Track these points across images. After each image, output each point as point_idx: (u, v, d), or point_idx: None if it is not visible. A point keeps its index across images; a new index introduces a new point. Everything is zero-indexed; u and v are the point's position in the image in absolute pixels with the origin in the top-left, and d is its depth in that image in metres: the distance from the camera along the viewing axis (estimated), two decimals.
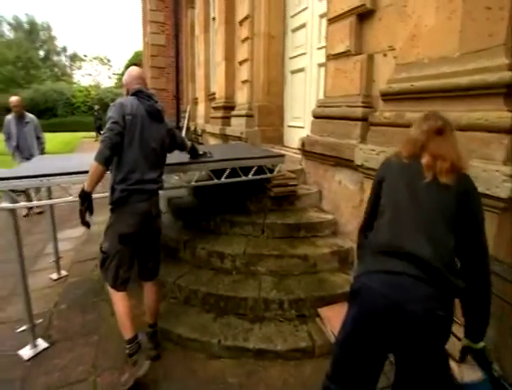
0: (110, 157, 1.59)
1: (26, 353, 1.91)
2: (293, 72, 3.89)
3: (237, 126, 4.35)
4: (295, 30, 3.79)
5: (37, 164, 2.39)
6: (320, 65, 3.30)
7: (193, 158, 2.19)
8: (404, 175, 1.12)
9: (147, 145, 1.69)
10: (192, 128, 7.59)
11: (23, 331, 1.98)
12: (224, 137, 4.67)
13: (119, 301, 1.70)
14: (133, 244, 1.72)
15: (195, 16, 7.71)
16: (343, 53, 2.41)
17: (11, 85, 25.94)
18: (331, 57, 2.59)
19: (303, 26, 3.59)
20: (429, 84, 1.65)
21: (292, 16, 3.82)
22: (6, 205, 1.77)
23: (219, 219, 2.54)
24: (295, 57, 3.82)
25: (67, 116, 24.17)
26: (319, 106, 2.76)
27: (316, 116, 2.78)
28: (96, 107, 16.61)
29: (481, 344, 1.11)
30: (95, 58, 37.33)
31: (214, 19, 6.23)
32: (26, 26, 34.87)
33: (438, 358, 0.98)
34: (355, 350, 1.01)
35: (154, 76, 8.57)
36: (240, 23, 4.21)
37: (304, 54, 3.60)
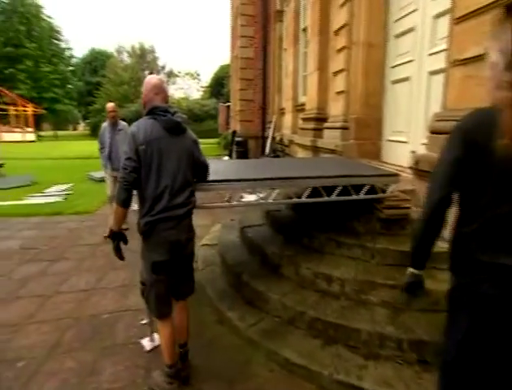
0: (127, 198, 1.56)
1: (146, 343, 2.09)
2: (395, 82, 3.55)
3: (331, 138, 4.19)
4: (399, 36, 3.46)
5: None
6: (432, 73, 2.93)
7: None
8: None
9: (170, 167, 1.58)
10: (277, 138, 7.67)
11: (145, 324, 2.19)
12: (315, 149, 4.55)
13: (163, 327, 1.72)
14: (167, 272, 1.66)
15: (283, 29, 7.79)
16: (477, 57, 2.05)
17: (125, 101, 30.48)
18: (457, 62, 2.25)
19: (410, 30, 3.24)
20: None
21: (396, 21, 3.49)
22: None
23: (323, 238, 2.44)
24: (398, 65, 3.47)
25: None
26: (439, 120, 2.43)
27: (435, 131, 2.45)
28: None
29: None
30: (187, 74, 41.30)
31: (304, 30, 6.19)
32: (138, 52, 40.56)
33: None
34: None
35: (243, 88, 8.94)
36: (336, 32, 4.04)
37: (410, 61, 3.24)
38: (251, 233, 3.00)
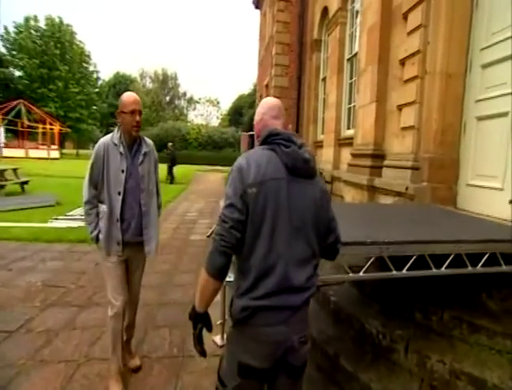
0: (225, 266, 1.06)
1: (218, 340, 2.36)
2: (483, 118, 3.04)
3: (393, 179, 3.65)
4: (488, 65, 2.99)
5: None
6: None
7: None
8: None
9: (290, 225, 1.08)
10: None
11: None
12: (372, 189, 4.01)
13: None
14: (260, 381, 1.16)
15: (322, 59, 7.59)
16: None
17: (145, 124, 31.50)
18: None
19: (507, 59, 2.77)
20: None
21: (483, 49, 3.05)
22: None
23: (447, 316, 1.81)
24: (487, 99, 2.98)
25: (181, 150, 27.67)
26: None
27: None
28: (169, 144, 15.53)
29: None
30: (207, 101, 42.56)
31: (349, 59, 5.89)
32: (160, 77, 42.50)
33: None
34: None
35: None
36: (403, 60, 3.63)
37: (509, 94, 2.75)
38: (334, 296, 2.43)
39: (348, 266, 1.55)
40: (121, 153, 1.96)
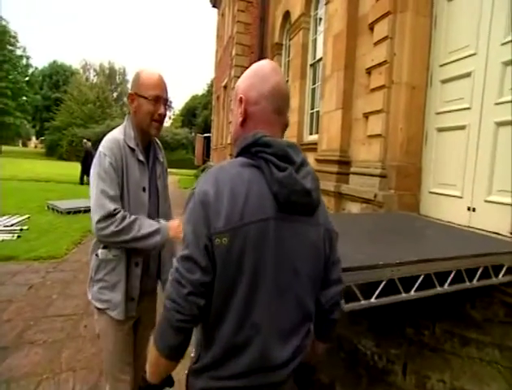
0: (182, 344, 0.79)
1: None
2: (442, 130, 3.27)
3: (360, 185, 3.76)
4: (447, 81, 3.23)
5: None
6: (500, 124, 2.66)
7: None
8: None
9: (275, 285, 0.78)
10: None
11: None
12: (339, 196, 4.09)
13: None
14: None
15: (283, 63, 7.68)
16: None
17: (90, 121, 29.13)
18: None
19: (465, 76, 3.01)
20: None
21: (443, 65, 3.29)
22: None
23: (438, 330, 1.84)
24: (447, 112, 3.22)
25: None
26: None
27: None
28: (84, 141, 13.58)
29: None
30: None
31: (312, 65, 6.03)
32: (107, 71, 39.92)
33: None
34: None
35: None
36: (369, 70, 3.77)
37: (466, 109, 2.98)
38: None
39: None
40: (140, 162, 1.39)
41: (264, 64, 0.89)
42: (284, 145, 0.80)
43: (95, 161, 1.33)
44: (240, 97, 0.86)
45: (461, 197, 3.03)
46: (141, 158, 1.39)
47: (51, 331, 2.55)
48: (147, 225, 1.32)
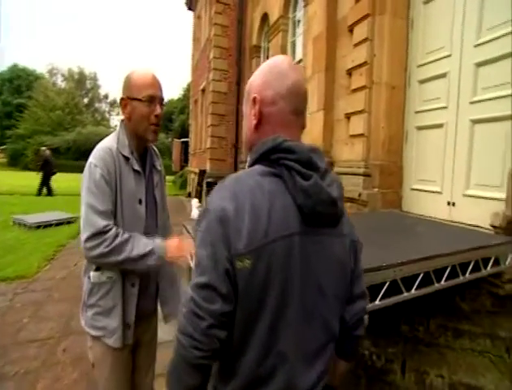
0: (201, 385, 0.72)
1: None
2: (422, 128, 3.42)
3: (344, 185, 3.83)
4: (425, 81, 3.39)
5: None
6: (476, 121, 2.82)
7: None
8: None
9: (302, 307, 0.73)
10: None
11: None
12: None
13: None
14: None
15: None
16: None
17: (59, 129, 27.95)
18: None
19: (441, 76, 3.17)
20: None
21: (420, 66, 3.45)
22: None
23: (433, 326, 1.88)
24: (425, 111, 3.37)
25: None
26: None
27: None
28: (42, 149, 12.91)
29: None
30: None
31: None
32: (76, 76, 38.63)
33: None
34: None
35: (214, 124, 8.54)
36: (350, 71, 3.89)
37: (443, 108, 3.14)
38: None
39: None
40: (136, 172, 1.29)
41: (280, 60, 0.83)
42: (307, 150, 0.74)
43: (85, 173, 1.23)
44: (254, 97, 0.79)
45: (440, 193, 3.17)
46: (137, 167, 1.30)
47: (23, 361, 2.25)
48: (142, 245, 1.22)
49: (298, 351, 0.72)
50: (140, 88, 1.27)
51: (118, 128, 1.34)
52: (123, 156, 1.27)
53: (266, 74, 0.80)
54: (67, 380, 2.09)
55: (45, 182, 11.60)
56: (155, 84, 1.31)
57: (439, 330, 1.86)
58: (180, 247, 1.30)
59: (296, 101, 0.79)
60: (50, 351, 2.35)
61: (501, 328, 1.81)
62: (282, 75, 0.79)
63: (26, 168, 26.89)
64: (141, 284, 1.34)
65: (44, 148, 13.13)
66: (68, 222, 7.29)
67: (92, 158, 1.23)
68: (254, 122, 0.80)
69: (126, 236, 1.21)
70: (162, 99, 1.33)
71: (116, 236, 1.18)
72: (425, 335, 1.88)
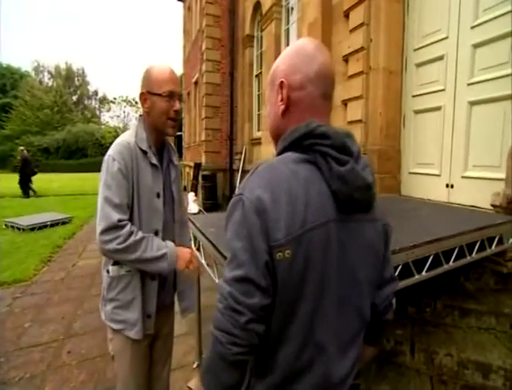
0: (239, 383, 0.71)
1: (193, 386, 1.91)
2: (419, 112, 3.46)
3: None
4: (422, 64, 3.42)
5: None
6: (473, 103, 2.86)
7: None
8: None
9: (338, 296, 0.72)
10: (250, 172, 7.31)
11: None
12: None
13: None
14: None
15: (255, 55, 7.73)
16: None
17: (47, 128, 27.49)
18: None
19: (438, 59, 3.20)
20: None
21: (417, 49, 3.47)
22: None
23: (440, 306, 1.93)
24: (422, 95, 3.40)
25: (96, 156, 25.13)
26: None
27: None
28: (20, 149, 12.68)
29: None
30: (124, 101, 39.72)
31: None
32: (63, 73, 37.89)
33: None
34: None
35: (209, 116, 8.50)
36: (346, 57, 3.90)
37: (440, 90, 3.18)
38: None
39: None
40: (153, 166, 1.32)
41: (306, 42, 0.79)
42: (342, 135, 0.72)
43: (103, 166, 1.25)
44: (281, 82, 0.76)
45: (439, 175, 3.22)
46: (154, 161, 1.32)
47: (28, 365, 2.21)
48: (155, 247, 1.24)
49: (335, 341, 0.72)
50: (160, 84, 1.29)
51: (136, 123, 1.37)
52: (141, 150, 1.29)
53: (293, 57, 0.77)
54: (74, 382, 2.10)
55: (25, 182, 11.39)
56: (175, 79, 1.34)
57: (445, 310, 1.91)
58: (191, 261, 1.33)
59: (324, 85, 0.76)
60: (55, 354, 2.35)
61: (504, 305, 1.87)
62: (309, 57, 0.76)
63: (15, 170, 26.40)
64: (161, 277, 1.36)
65: (21, 148, 12.86)
66: (63, 222, 7.23)
67: (110, 152, 1.26)
68: (282, 107, 0.77)
69: (140, 235, 1.23)
70: (181, 95, 1.36)
71: (130, 234, 1.20)
72: (432, 315, 1.93)
